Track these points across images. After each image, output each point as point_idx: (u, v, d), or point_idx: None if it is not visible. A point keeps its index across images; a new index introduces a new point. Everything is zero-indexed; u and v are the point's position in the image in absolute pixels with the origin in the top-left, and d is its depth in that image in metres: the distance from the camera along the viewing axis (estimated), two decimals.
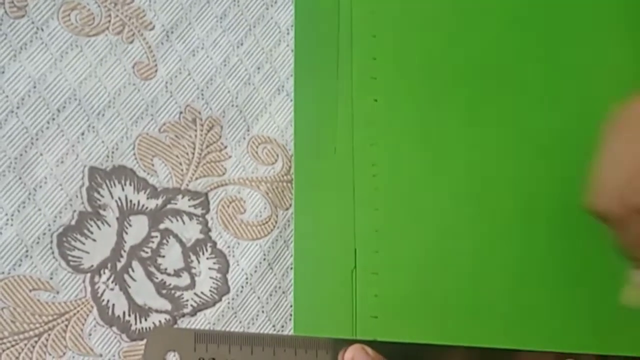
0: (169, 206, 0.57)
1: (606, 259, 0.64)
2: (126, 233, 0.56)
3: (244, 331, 0.57)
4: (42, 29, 0.57)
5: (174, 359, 0.54)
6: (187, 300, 0.56)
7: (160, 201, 0.57)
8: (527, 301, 0.62)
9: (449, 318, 0.61)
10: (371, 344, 0.56)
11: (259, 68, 0.62)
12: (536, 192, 0.64)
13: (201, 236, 0.58)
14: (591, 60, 0.68)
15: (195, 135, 0.59)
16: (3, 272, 0.53)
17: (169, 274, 0.56)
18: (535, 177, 0.64)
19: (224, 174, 0.59)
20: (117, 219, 0.56)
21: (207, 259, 0.57)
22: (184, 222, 0.57)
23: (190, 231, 0.57)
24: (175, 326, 0.56)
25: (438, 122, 0.64)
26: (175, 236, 0.57)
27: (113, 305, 0.55)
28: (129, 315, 0.55)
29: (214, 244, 0.58)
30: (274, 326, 0.58)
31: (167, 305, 0.56)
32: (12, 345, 0.52)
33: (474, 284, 0.61)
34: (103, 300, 0.55)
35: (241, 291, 0.58)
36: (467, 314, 0.61)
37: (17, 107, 0.56)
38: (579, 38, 0.68)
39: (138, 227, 0.56)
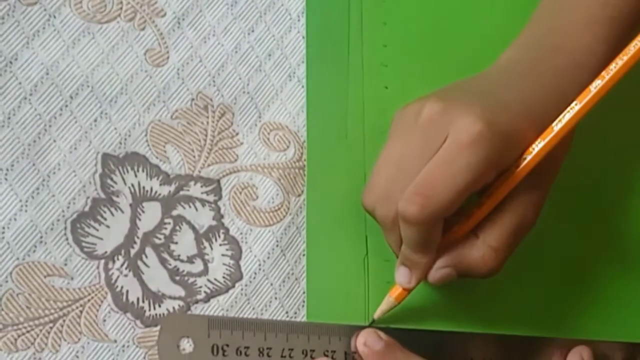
0: (181, 193, 0.57)
1: (608, 243, 0.64)
2: (139, 219, 0.56)
3: (257, 317, 0.57)
4: (55, 16, 0.57)
5: (187, 344, 0.54)
6: (200, 287, 0.56)
7: (172, 188, 0.57)
8: (530, 291, 0.62)
9: (460, 306, 0.61)
10: (384, 330, 0.56)
11: (270, 55, 0.62)
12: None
13: (214, 223, 0.58)
14: None
15: (207, 122, 0.59)
16: (18, 258, 0.53)
17: (182, 261, 0.56)
18: None
19: (236, 160, 0.59)
20: (130, 205, 0.56)
21: (220, 245, 0.57)
22: (196, 209, 0.57)
23: (203, 218, 0.57)
24: (189, 312, 0.56)
25: None
26: (188, 223, 0.57)
27: (127, 291, 0.55)
28: (143, 301, 0.55)
29: (227, 230, 0.58)
30: (286, 312, 0.58)
31: (181, 292, 0.56)
32: (28, 331, 0.52)
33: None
34: (117, 286, 0.55)
35: (254, 278, 0.58)
36: (477, 302, 0.61)
37: (30, 94, 0.56)
38: None
39: (151, 214, 0.56)
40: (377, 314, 0.57)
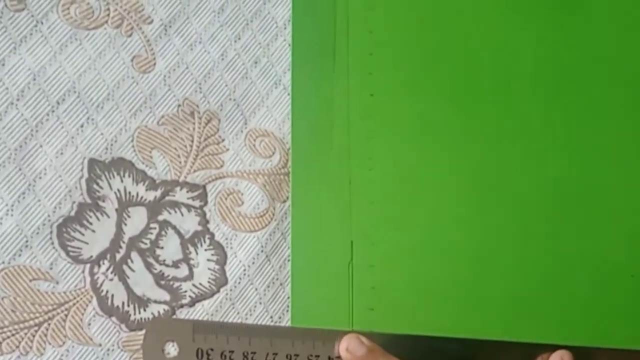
0: (167, 198, 0.58)
1: (603, 253, 0.65)
2: (125, 224, 0.56)
3: (241, 322, 0.57)
4: (42, 22, 0.58)
5: (172, 349, 0.54)
6: (185, 291, 0.57)
7: (158, 193, 0.58)
8: (523, 292, 0.62)
9: (445, 310, 0.61)
10: (367, 335, 0.56)
11: (256, 62, 0.62)
12: (534, 185, 0.64)
13: (199, 228, 0.58)
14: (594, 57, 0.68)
15: (194, 128, 0.59)
16: (3, 262, 0.53)
17: (167, 265, 0.57)
18: (533, 170, 0.64)
19: (221, 166, 0.59)
20: (116, 210, 0.56)
21: (205, 250, 0.58)
22: (182, 214, 0.58)
23: (189, 223, 0.58)
24: (174, 317, 0.56)
25: (434, 117, 0.64)
26: (174, 228, 0.57)
27: (112, 295, 0.55)
28: (128, 305, 0.55)
29: (212, 235, 0.58)
30: (271, 317, 0.58)
31: (166, 296, 0.56)
32: (13, 335, 0.53)
33: (469, 276, 0.62)
34: (102, 290, 0.55)
35: (239, 282, 0.58)
36: (462, 306, 0.62)
37: (17, 99, 0.56)
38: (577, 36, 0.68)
39: (137, 219, 0.57)
40: None
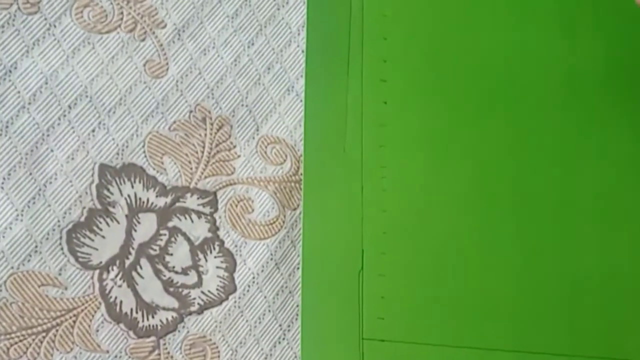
0: (177, 204, 0.57)
1: (614, 265, 0.64)
2: (135, 230, 0.56)
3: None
4: (55, 26, 0.57)
5: None
6: (194, 298, 0.57)
7: (169, 199, 0.57)
8: (533, 304, 0.62)
9: (455, 320, 0.61)
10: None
11: (269, 68, 0.62)
12: (547, 196, 0.64)
13: (209, 235, 0.58)
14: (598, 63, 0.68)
15: (205, 134, 0.59)
16: (12, 267, 0.53)
17: (176, 272, 0.57)
18: (547, 181, 0.64)
19: (232, 173, 0.59)
20: (126, 216, 0.56)
21: (215, 257, 0.58)
22: (192, 221, 0.58)
23: (199, 229, 0.58)
24: (182, 324, 0.56)
25: (447, 125, 0.64)
26: (184, 234, 0.57)
27: (121, 302, 0.55)
28: (137, 312, 0.55)
29: (222, 242, 0.58)
30: (280, 326, 0.58)
31: (174, 303, 0.56)
32: (20, 340, 0.53)
33: (480, 287, 0.62)
34: (111, 297, 0.55)
35: (248, 290, 0.58)
36: (473, 317, 0.61)
37: (29, 103, 0.56)
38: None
39: (147, 225, 0.57)
40: None
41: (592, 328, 0.63)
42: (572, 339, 0.63)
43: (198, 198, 0.58)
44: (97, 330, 0.54)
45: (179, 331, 0.56)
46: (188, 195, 0.58)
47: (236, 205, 0.59)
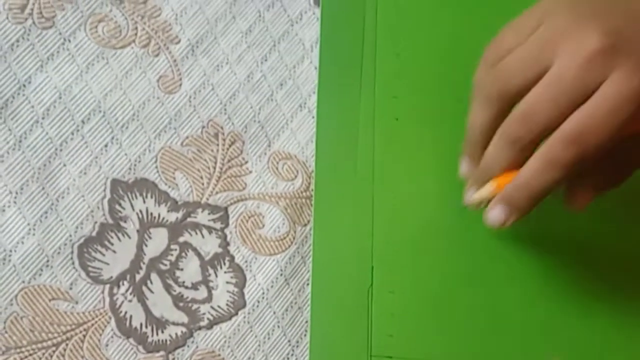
0: (188, 219, 0.58)
1: (621, 280, 0.64)
2: (146, 245, 0.57)
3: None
4: (69, 40, 0.58)
5: None
6: (203, 314, 0.57)
7: (180, 214, 0.58)
8: (545, 321, 0.62)
9: (465, 338, 0.61)
10: None
11: (282, 84, 0.62)
12: (561, 209, 0.64)
13: (219, 250, 0.58)
14: None
15: (217, 150, 0.59)
16: (24, 282, 0.54)
17: (186, 287, 0.57)
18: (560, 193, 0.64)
19: (244, 188, 0.59)
20: (138, 231, 0.57)
21: (225, 272, 0.58)
22: (203, 236, 0.58)
23: (209, 245, 0.58)
24: (191, 339, 0.56)
25: (458, 142, 0.64)
26: (194, 249, 0.58)
27: (130, 316, 0.55)
28: (146, 327, 0.56)
29: (232, 258, 0.58)
30: (289, 341, 0.58)
31: (184, 318, 0.57)
32: (30, 354, 0.53)
33: (490, 304, 0.62)
34: (121, 311, 0.55)
35: (257, 306, 0.58)
36: (483, 334, 0.61)
37: (42, 118, 0.56)
38: None
39: (158, 240, 0.57)
40: (476, 196, 0.56)
41: (605, 344, 0.64)
42: (585, 357, 0.63)
43: (209, 213, 0.58)
44: (107, 345, 0.55)
45: (188, 346, 0.56)
46: (199, 210, 0.58)
47: (247, 221, 0.59)
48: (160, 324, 0.56)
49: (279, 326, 0.59)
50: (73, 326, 0.54)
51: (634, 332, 0.64)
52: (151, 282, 0.56)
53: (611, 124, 0.49)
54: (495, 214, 0.54)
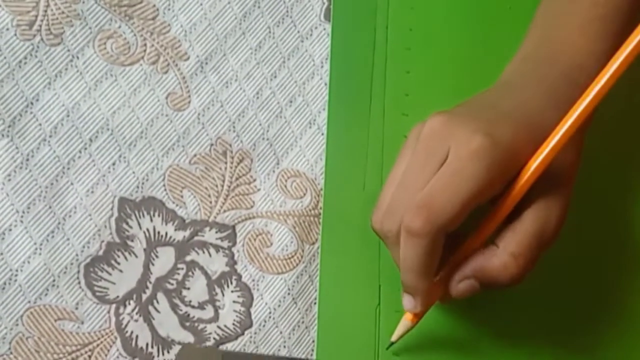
0: (196, 238, 0.58)
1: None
2: (152, 264, 0.56)
3: (270, 354, 0.57)
4: (78, 57, 0.58)
5: None
6: (210, 333, 0.57)
7: (187, 233, 0.58)
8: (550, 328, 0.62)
9: (471, 356, 0.61)
10: None
11: (291, 101, 0.62)
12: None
13: (227, 269, 0.58)
14: None
15: (225, 168, 0.59)
16: (29, 302, 0.54)
17: (193, 307, 0.57)
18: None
19: (252, 207, 0.59)
20: (145, 250, 0.56)
21: (232, 292, 0.58)
22: (210, 255, 0.58)
23: (216, 264, 0.58)
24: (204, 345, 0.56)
25: None
26: (201, 268, 0.57)
27: (137, 336, 0.55)
28: (152, 347, 0.55)
29: (239, 277, 0.58)
30: None
31: (190, 338, 0.56)
32: None
33: (496, 322, 0.61)
34: (127, 331, 0.55)
35: (264, 325, 0.58)
36: (488, 350, 0.61)
37: (50, 136, 0.56)
38: None
39: (164, 259, 0.57)
40: (394, 336, 0.57)
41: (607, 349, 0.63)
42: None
43: (217, 232, 0.58)
44: None
45: None
46: (207, 229, 0.58)
47: (255, 239, 0.59)
48: (166, 343, 0.56)
49: (285, 346, 0.58)
50: (79, 346, 0.54)
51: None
52: (157, 302, 0.56)
53: (457, 185, 0.51)
54: (405, 303, 0.56)
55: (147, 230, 0.57)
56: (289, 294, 0.59)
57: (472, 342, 0.61)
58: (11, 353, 0.53)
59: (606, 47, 0.56)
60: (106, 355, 0.55)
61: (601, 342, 0.63)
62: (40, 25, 0.57)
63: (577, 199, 0.56)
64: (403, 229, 0.52)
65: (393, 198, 0.54)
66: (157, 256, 0.57)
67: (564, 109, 0.53)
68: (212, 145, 0.59)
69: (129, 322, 0.55)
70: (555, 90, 0.56)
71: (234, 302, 0.58)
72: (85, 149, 0.57)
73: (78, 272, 0.55)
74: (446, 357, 0.61)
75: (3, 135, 0.55)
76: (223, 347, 0.57)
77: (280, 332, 0.58)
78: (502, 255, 0.53)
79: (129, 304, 0.56)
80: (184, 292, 0.57)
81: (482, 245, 0.54)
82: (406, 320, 0.57)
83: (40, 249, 0.55)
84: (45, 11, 0.57)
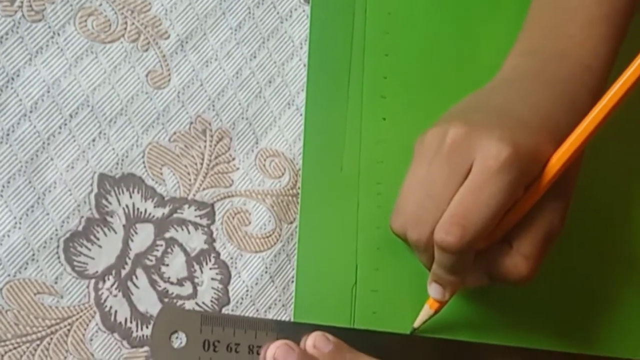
0: (175, 215, 0.58)
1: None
2: (132, 241, 0.57)
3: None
4: (59, 34, 0.58)
5: (179, 338, 0.54)
6: None
7: (166, 210, 0.58)
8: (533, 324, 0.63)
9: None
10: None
11: (270, 81, 0.62)
12: None
13: (205, 246, 0.58)
14: None
15: (205, 146, 0.60)
16: (9, 275, 0.54)
17: (172, 283, 0.57)
18: None
19: (231, 185, 0.60)
20: (124, 226, 0.57)
21: (210, 269, 0.58)
22: (189, 232, 0.58)
23: (195, 241, 0.58)
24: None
25: None
26: (180, 245, 0.58)
27: (115, 311, 0.56)
28: (131, 322, 0.56)
29: (218, 254, 0.58)
30: None
31: None
32: (14, 348, 0.53)
33: (473, 305, 0.62)
34: (106, 306, 0.55)
35: (241, 303, 0.58)
36: (465, 334, 0.62)
37: (30, 111, 0.56)
38: None
39: (144, 235, 0.57)
40: (417, 323, 0.59)
41: (596, 326, 0.64)
42: (564, 337, 0.64)
43: (196, 209, 0.59)
44: (91, 340, 0.55)
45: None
46: (186, 206, 0.58)
47: (233, 218, 0.59)
48: (145, 319, 0.56)
49: None
50: (58, 320, 0.54)
51: None
52: (136, 278, 0.56)
53: (487, 199, 0.52)
54: (432, 292, 0.58)
55: (127, 206, 0.57)
56: (266, 272, 0.59)
57: (450, 325, 0.62)
58: None
59: (609, 50, 0.57)
60: (85, 330, 0.55)
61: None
62: (22, 2, 0.57)
63: (577, 199, 0.58)
64: (437, 244, 0.54)
65: (419, 207, 0.55)
66: (136, 232, 0.57)
67: (577, 110, 0.54)
68: (191, 123, 0.60)
69: (108, 297, 0.56)
70: (567, 93, 0.57)
71: (212, 279, 0.58)
72: (66, 124, 0.57)
73: (57, 246, 0.55)
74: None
75: None
76: None
77: (257, 310, 0.59)
78: (514, 256, 0.55)
79: (108, 279, 0.56)
80: (163, 269, 0.57)
81: (497, 242, 0.56)
82: (430, 308, 0.58)
83: (20, 223, 0.55)
84: None
